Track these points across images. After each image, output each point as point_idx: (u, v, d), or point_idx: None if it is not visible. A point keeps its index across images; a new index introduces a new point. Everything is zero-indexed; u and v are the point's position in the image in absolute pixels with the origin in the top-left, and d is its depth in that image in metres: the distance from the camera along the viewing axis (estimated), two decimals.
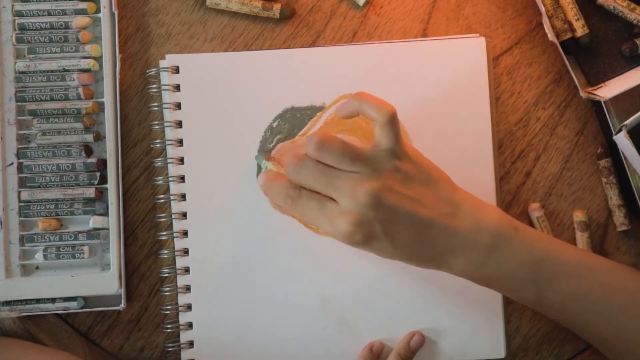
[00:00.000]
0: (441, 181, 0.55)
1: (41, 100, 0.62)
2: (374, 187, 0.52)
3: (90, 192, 0.61)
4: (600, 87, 0.62)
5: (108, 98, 0.62)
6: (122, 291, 0.61)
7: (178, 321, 0.62)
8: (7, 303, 0.61)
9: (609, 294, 0.56)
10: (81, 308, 0.62)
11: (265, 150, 0.62)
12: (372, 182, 0.52)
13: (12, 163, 0.62)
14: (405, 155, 0.54)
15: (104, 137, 0.62)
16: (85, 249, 0.61)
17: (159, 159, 0.62)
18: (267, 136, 0.62)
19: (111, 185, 0.61)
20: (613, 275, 0.57)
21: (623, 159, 0.62)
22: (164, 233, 0.62)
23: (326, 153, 0.53)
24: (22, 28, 0.62)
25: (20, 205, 0.61)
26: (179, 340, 0.62)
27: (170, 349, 0.62)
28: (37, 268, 0.62)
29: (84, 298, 0.62)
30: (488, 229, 0.54)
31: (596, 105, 0.64)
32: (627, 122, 0.57)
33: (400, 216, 0.52)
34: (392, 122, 0.53)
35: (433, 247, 0.54)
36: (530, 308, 0.64)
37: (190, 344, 0.62)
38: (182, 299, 0.62)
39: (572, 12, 0.62)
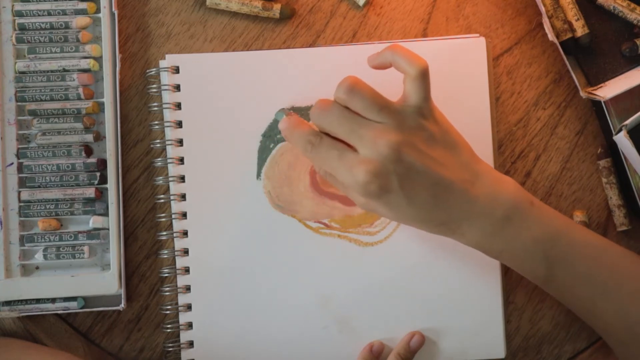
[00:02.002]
0: (463, 148, 0.55)
1: (41, 100, 0.62)
2: (397, 140, 0.52)
3: (90, 192, 0.61)
4: (600, 87, 0.62)
5: (108, 98, 0.62)
6: (122, 291, 0.61)
7: (178, 321, 0.62)
8: (7, 303, 0.61)
9: (619, 278, 0.56)
10: (81, 308, 0.62)
11: (285, 108, 0.61)
12: (396, 134, 0.52)
13: (12, 163, 0.62)
14: (432, 116, 0.54)
15: (104, 137, 0.62)
16: (85, 249, 0.61)
17: (159, 159, 0.62)
18: (267, 136, 0.62)
19: (111, 185, 0.61)
20: (625, 260, 0.57)
21: (623, 159, 0.62)
22: (164, 233, 0.62)
23: (356, 97, 0.53)
24: (22, 28, 0.62)
25: (20, 205, 0.61)
26: (179, 340, 0.62)
27: (170, 349, 0.62)
28: (37, 268, 0.62)
29: (84, 298, 0.62)
30: (504, 200, 0.54)
31: (596, 105, 0.64)
32: (627, 122, 0.58)
33: (419, 173, 0.52)
34: (424, 77, 0.53)
35: (449, 210, 0.53)
36: (527, 311, 0.64)
37: (190, 344, 0.62)
38: (182, 299, 0.62)
39: (572, 12, 0.62)
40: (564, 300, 0.58)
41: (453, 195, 0.53)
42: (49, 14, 0.62)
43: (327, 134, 0.54)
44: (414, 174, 0.52)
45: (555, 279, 0.56)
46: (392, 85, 0.62)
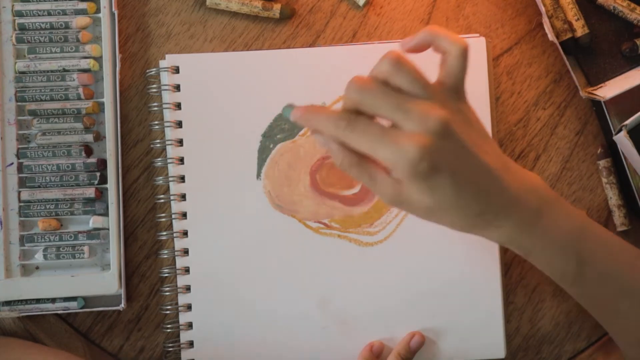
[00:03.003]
0: (491, 139, 0.53)
1: (41, 100, 0.62)
2: (447, 116, 0.48)
3: (90, 192, 0.61)
4: (600, 87, 0.62)
5: (108, 98, 0.62)
6: (122, 291, 0.61)
7: (178, 321, 0.62)
8: (7, 303, 0.61)
9: (638, 277, 0.55)
10: (81, 308, 0.62)
11: (291, 104, 0.55)
12: (444, 111, 0.49)
13: (12, 163, 0.62)
14: (466, 101, 0.52)
15: (104, 137, 0.62)
16: (85, 249, 0.61)
17: (159, 159, 0.62)
18: (267, 136, 0.62)
19: (111, 185, 0.61)
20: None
21: (623, 159, 0.62)
22: (164, 233, 0.62)
23: (402, 70, 0.49)
24: (22, 28, 0.62)
25: (20, 205, 0.61)
26: (179, 340, 0.62)
27: (170, 349, 0.62)
28: (37, 268, 0.62)
29: (84, 298, 0.62)
30: (535, 192, 0.53)
31: (596, 105, 0.64)
32: (627, 122, 0.58)
33: (466, 155, 0.49)
34: (466, 55, 0.51)
35: (487, 199, 0.51)
36: (527, 311, 0.64)
37: (190, 344, 0.62)
38: (182, 299, 0.62)
39: (572, 12, 0.62)
40: (588, 299, 0.56)
41: (492, 183, 0.51)
42: (49, 14, 0.62)
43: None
44: (462, 155, 0.49)
45: (584, 276, 0.54)
46: None
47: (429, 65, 0.53)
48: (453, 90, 0.51)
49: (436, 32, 0.51)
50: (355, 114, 0.50)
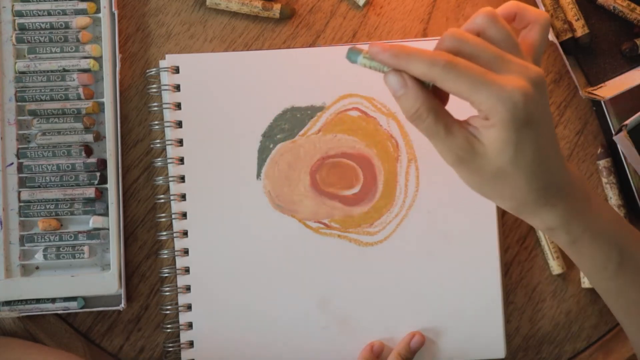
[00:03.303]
0: None
1: (41, 100, 0.62)
2: (543, 73, 0.48)
3: (90, 192, 0.61)
4: (600, 87, 0.62)
5: (108, 98, 0.62)
6: (122, 291, 0.61)
7: (178, 321, 0.62)
8: (7, 303, 0.61)
9: None
10: (81, 308, 0.62)
11: (355, 47, 0.50)
12: (540, 69, 0.48)
13: (12, 163, 0.62)
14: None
15: (104, 137, 0.62)
16: (85, 249, 0.61)
17: (159, 159, 0.62)
18: (267, 136, 0.62)
19: (111, 185, 0.61)
20: None
21: (623, 159, 0.62)
22: (164, 233, 0.62)
23: (498, 25, 0.48)
24: (22, 28, 0.62)
25: (20, 205, 0.61)
26: (179, 340, 0.62)
27: (170, 349, 0.62)
28: (37, 268, 0.62)
29: (84, 298, 0.62)
30: (583, 179, 0.53)
31: (596, 105, 0.64)
32: (627, 122, 0.58)
33: (550, 120, 0.49)
34: (549, 27, 0.51)
35: (553, 173, 0.49)
36: (527, 311, 0.64)
37: (190, 344, 0.62)
38: (182, 299, 0.62)
39: (572, 12, 0.62)
40: (622, 295, 0.55)
41: (559, 160, 0.50)
42: (49, 14, 0.62)
43: None
44: (548, 118, 0.49)
45: (623, 267, 0.53)
46: None
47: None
48: (535, 61, 0.51)
49: (522, 4, 0.51)
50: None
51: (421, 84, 0.47)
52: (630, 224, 0.55)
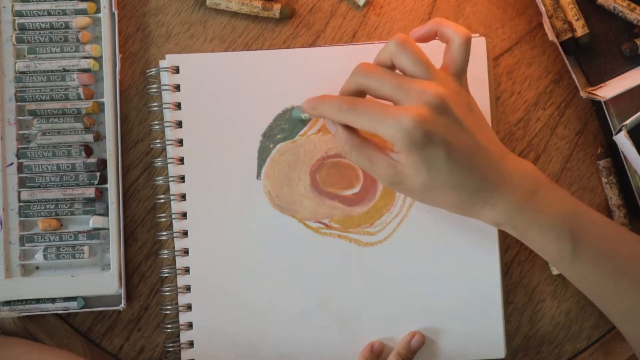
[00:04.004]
0: (489, 127, 0.56)
1: (41, 100, 0.62)
2: (444, 92, 0.52)
3: (90, 192, 0.61)
4: (600, 87, 0.62)
5: (108, 98, 0.62)
6: (122, 291, 0.61)
7: (178, 321, 0.62)
8: (7, 303, 0.61)
9: (637, 257, 0.55)
10: (81, 308, 0.62)
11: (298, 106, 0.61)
12: (443, 88, 0.52)
13: (12, 163, 0.62)
14: (468, 89, 0.56)
15: (104, 137, 0.62)
16: (85, 249, 0.61)
17: (159, 159, 0.62)
18: (267, 136, 0.62)
19: (111, 185, 0.61)
20: (639, 242, 0.57)
21: (623, 159, 0.62)
22: (164, 233, 0.62)
23: (406, 52, 0.53)
24: (22, 28, 0.62)
25: (20, 205, 0.61)
26: (179, 340, 0.62)
27: (170, 349, 0.62)
28: (37, 268, 0.62)
29: (84, 298, 0.62)
30: (529, 175, 0.55)
31: (596, 105, 0.64)
32: (627, 122, 0.58)
33: (462, 131, 0.53)
34: (468, 44, 0.55)
35: (482, 178, 0.53)
36: (527, 311, 0.64)
37: (190, 344, 0.62)
38: (182, 299, 0.62)
39: (572, 12, 0.62)
40: (586, 282, 0.57)
41: (487, 162, 0.53)
42: (49, 14, 0.62)
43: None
44: (457, 130, 0.52)
45: (580, 256, 0.55)
46: None
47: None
48: (455, 76, 0.55)
49: (442, 21, 0.55)
50: (357, 97, 0.54)
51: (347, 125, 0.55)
52: (587, 208, 0.56)
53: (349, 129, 0.55)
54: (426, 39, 0.57)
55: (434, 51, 0.57)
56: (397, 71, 0.55)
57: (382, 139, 0.53)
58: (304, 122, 0.62)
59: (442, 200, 0.55)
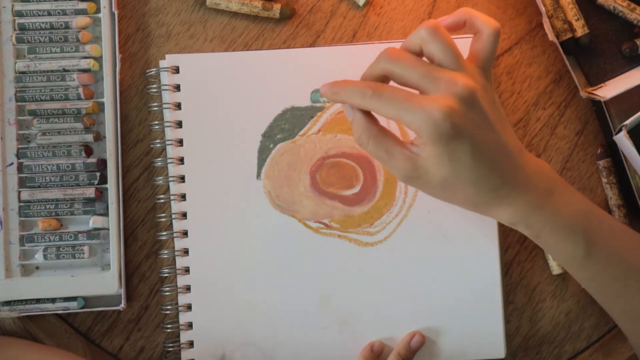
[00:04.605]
0: (509, 124, 0.55)
1: (41, 100, 0.62)
2: (474, 85, 0.50)
3: (90, 192, 0.61)
4: (600, 87, 0.62)
5: (108, 98, 0.62)
6: (122, 291, 0.61)
7: (178, 321, 0.62)
8: (7, 303, 0.61)
9: None
10: (81, 308, 0.62)
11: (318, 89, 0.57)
12: (472, 81, 0.51)
13: (12, 163, 0.62)
14: (492, 83, 0.54)
15: (104, 137, 0.62)
16: (85, 249, 0.61)
17: (159, 159, 0.62)
18: (267, 136, 0.62)
19: (111, 185, 0.61)
20: None
21: (623, 159, 0.62)
22: (164, 233, 0.62)
23: (436, 39, 0.51)
24: (22, 28, 0.62)
25: (20, 205, 0.61)
26: (179, 340, 0.62)
27: (170, 349, 0.62)
28: (37, 268, 0.62)
29: (84, 298, 0.62)
30: (546, 173, 0.54)
31: (596, 105, 0.64)
32: (627, 122, 0.58)
33: (488, 126, 0.51)
34: (498, 36, 0.53)
35: (502, 176, 0.52)
36: (527, 311, 0.64)
37: (190, 344, 0.62)
38: (182, 299, 0.62)
39: (572, 12, 0.62)
40: (596, 282, 0.56)
41: (508, 160, 0.52)
42: (49, 14, 0.62)
43: None
44: (484, 125, 0.51)
45: (592, 257, 0.54)
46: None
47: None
48: (482, 68, 0.53)
49: (471, 11, 0.54)
50: (382, 82, 0.52)
51: (368, 113, 0.53)
52: (598, 208, 0.56)
53: (368, 117, 0.53)
54: (454, 28, 0.55)
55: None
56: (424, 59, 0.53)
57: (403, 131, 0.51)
58: (319, 108, 0.61)
59: (458, 196, 0.53)
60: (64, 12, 0.62)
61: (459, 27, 0.55)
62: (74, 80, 0.62)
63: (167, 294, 0.62)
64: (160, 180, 0.62)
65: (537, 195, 0.53)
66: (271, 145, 0.62)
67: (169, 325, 0.62)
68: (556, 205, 0.54)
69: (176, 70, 0.62)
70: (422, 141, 0.50)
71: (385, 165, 0.53)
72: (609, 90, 0.61)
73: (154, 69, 0.63)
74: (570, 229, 0.54)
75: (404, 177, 0.52)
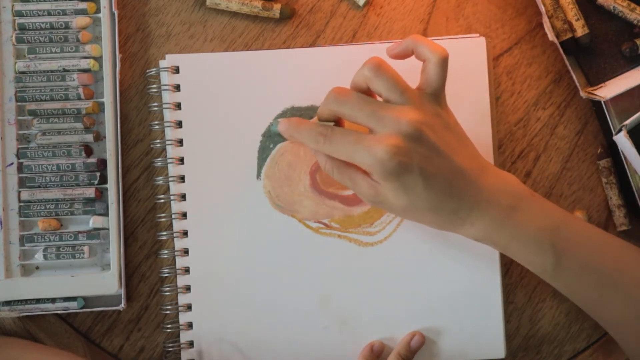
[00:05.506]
0: (470, 142, 0.57)
1: (41, 100, 0.62)
2: (419, 119, 0.52)
3: (90, 192, 0.61)
4: (600, 87, 0.62)
5: (108, 98, 0.62)
6: (122, 291, 0.61)
7: (178, 321, 0.62)
8: (7, 303, 0.61)
9: (623, 267, 0.55)
10: (81, 308, 0.62)
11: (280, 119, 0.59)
12: (418, 114, 0.53)
13: (12, 163, 0.62)
14: (446, 106, 0.56)
15: (104, 137, 0.62)
16: (85, 249, 0.61)
17: (159, 159, 0.62)
18: (267, 136, 0.62)
19: (111, 185, 0.61)
20: (628, 250, 0.57)
21: (623, 159, 0.62)
22: (164, 233, 0.62)
23: (381, 76, 0.53)
24: (22, 28, 0.62)
25: (20, 205, 0.61)
26: (179, 340, 0.62)
27: (170, 349, 0.62)
28: (37, 268, 0.62)
29: (84, 298, 0.62)
30: (509, 190, 0.55)
31: (596, 105, 0.64)
32: (627, 122, 0.58)
33: (438, 156, 0.53)
34: (445, 64, 0.54)
35: (460, 198, 0.54)
36: (527, 311, 0.64)
37: (190, 344, 0.62)
38: (182, 299, 0.62)
39: (572, 12, 0.62)
40: (571, 292, 0.57)
41: (464, 183, 0.54)
42: (49, 14, 0.62)
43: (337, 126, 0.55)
44: (434, 156, 0.53)
45: (562, 268, 0.55)
46: None
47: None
48: (432, 95, 0.55)
49: (418, 40, 0.55)
50: (332, 125, 0.55)
51: None
52: (572, 218, 0.57)
53: None
54: (402, 56, 0.57)
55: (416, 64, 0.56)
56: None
57: None
58: (282, 137, 0.59)
59: (422, 219, 0.56)
60: (64, 12, 0.62)
61: (408, 55, 0.57)
62: (74, 80, 0.62)
63: (167, 294, 0.62)
64: (160, 180, 0.62)
65: (499, 212, 0.54)
66: (271, 145, 0.62)
67: (169, 325, 0.62)
68: (520, 220, 0.54)
69: (176, 70, 0.62)
70: (375, 179, 0.53)
71: (351, 189, 0.56)
72: (609, 90, 0.61)
73: (154, 69, 0.63)
74: (537, 243, 0.55)
75: (370, 201, 0.55)
